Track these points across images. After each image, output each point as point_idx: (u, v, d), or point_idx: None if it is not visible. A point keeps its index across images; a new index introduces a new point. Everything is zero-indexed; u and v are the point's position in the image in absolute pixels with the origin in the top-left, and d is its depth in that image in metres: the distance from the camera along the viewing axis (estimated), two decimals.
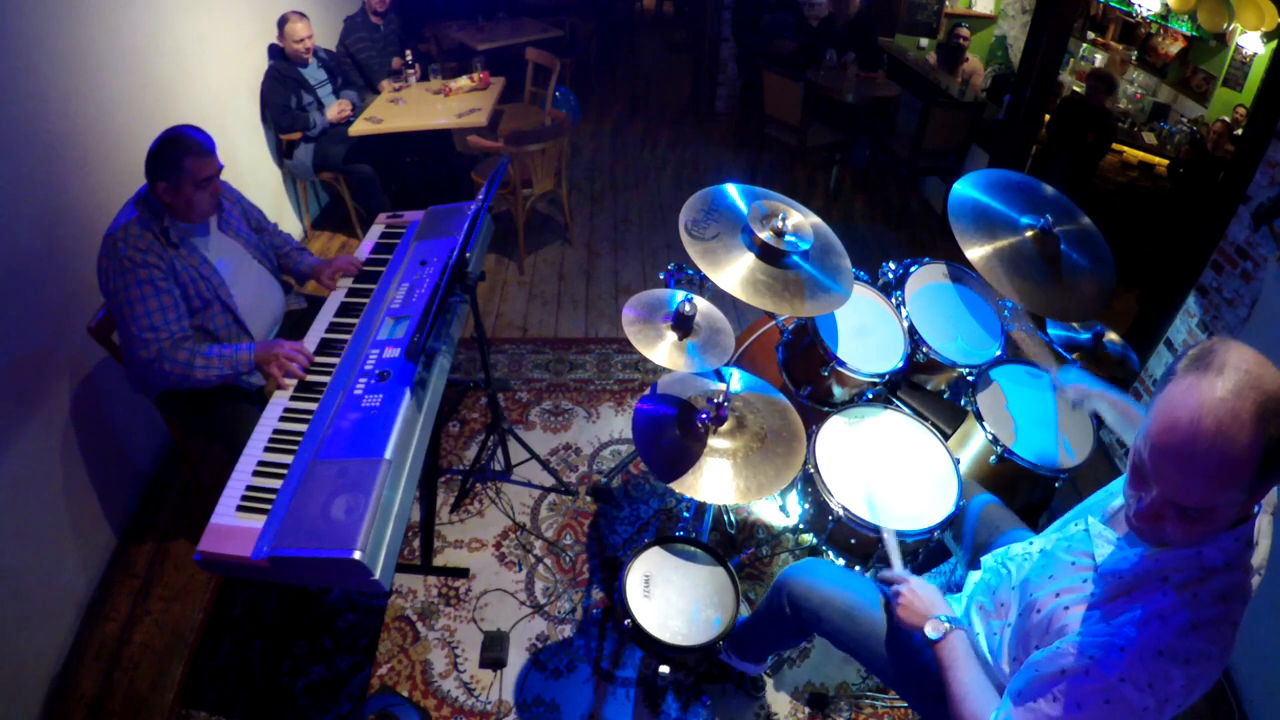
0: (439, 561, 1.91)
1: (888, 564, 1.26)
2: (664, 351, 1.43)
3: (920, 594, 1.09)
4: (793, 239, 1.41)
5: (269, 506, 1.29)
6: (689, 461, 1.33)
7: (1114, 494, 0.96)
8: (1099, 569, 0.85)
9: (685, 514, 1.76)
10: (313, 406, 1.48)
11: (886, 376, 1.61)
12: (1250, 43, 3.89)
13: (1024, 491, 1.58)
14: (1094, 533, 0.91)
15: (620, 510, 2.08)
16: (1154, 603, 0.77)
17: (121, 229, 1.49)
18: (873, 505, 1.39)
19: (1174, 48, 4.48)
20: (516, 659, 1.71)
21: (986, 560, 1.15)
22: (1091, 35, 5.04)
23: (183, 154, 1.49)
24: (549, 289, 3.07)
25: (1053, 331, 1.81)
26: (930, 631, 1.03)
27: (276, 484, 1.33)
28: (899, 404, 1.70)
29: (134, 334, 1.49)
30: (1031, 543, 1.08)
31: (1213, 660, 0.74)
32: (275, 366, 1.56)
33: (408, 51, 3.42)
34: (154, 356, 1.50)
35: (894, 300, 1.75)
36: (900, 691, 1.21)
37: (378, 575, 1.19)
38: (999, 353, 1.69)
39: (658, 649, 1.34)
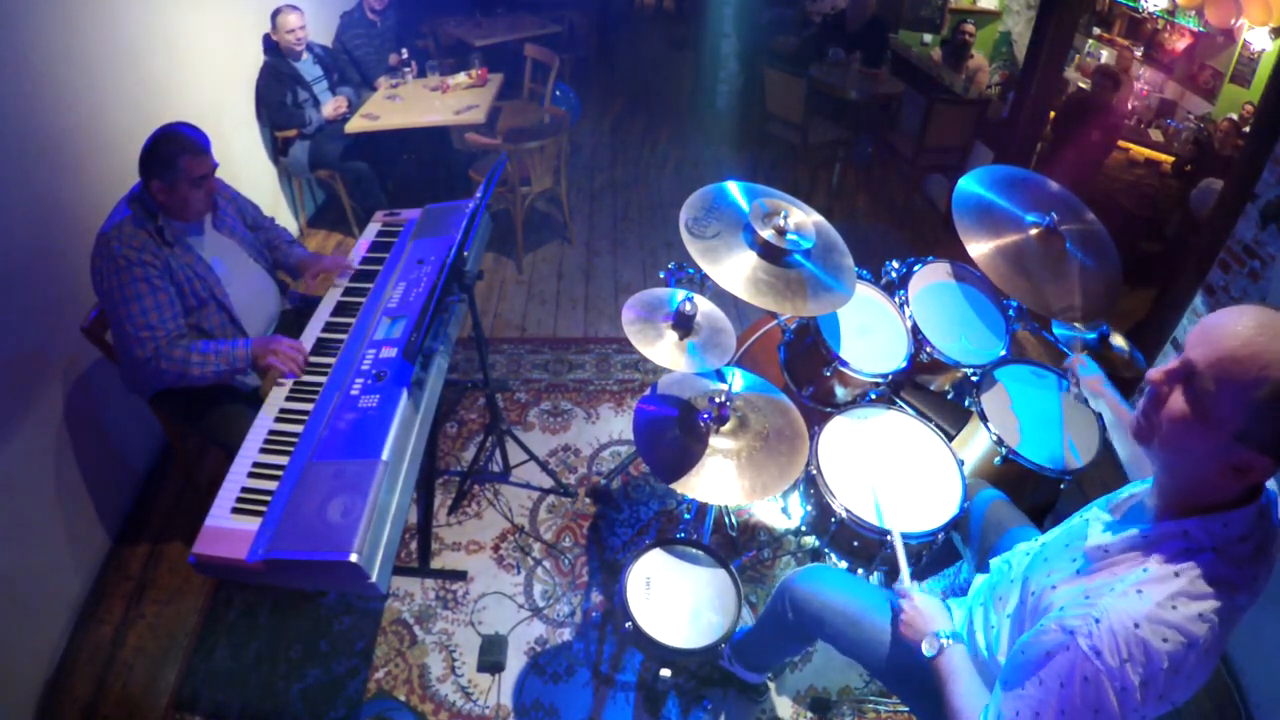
0: (436, 564, 1.90)
1: (893, 566, 1.24)
2: (664, 351, 1.41)
3: (922, 610, 1.08)
4: (795, 237, 1.39)
5: (265, 508, 1.28)
6: (690, 462, 1.31)
7: (1121, 490, 0.95)
8: (1086, 546, 0.85)
9: (686, 516, 1.75)
10: (309, 407, 1.47)
11: (890, 377, 1.60)
12: (1258, 39, 3.85)
13: (1029, 493, 1.56)
14: (1092, 518, 0.91)
15: (620, 512, 2.06)
16: (1134, 576, 0.76)
17: (115, 228, 1.48)
18: (876, 507, 1.37)
19: (1180, 44, 4.44)
20: (515, 663, 1.70)
21: (994, 562, 1.15)
22: (1097, 31, 5.00)
23: (177, 152, 1.47)
24: (548, 288, 3.05)
25: (1058, 331, 1.79)
26: (926, 648, 1.02)
27: (272, 485, 1.32)
28: (902, 404, 1.68)
29: (129, 332, 1.47)
30: (1037, 540, 1.08)
31: (1195, 650, 0.72)
32: (274, 358, 1.55)
33: (404, 49, 3.40)
34: (150, 355, 1.49)
35: (897, 299, 1.73)
36: (902, 696, 1.20)
37: (374, 578, 1.18)
38: (1003, 352, 1.67)
39: (658, 652, 1.32)
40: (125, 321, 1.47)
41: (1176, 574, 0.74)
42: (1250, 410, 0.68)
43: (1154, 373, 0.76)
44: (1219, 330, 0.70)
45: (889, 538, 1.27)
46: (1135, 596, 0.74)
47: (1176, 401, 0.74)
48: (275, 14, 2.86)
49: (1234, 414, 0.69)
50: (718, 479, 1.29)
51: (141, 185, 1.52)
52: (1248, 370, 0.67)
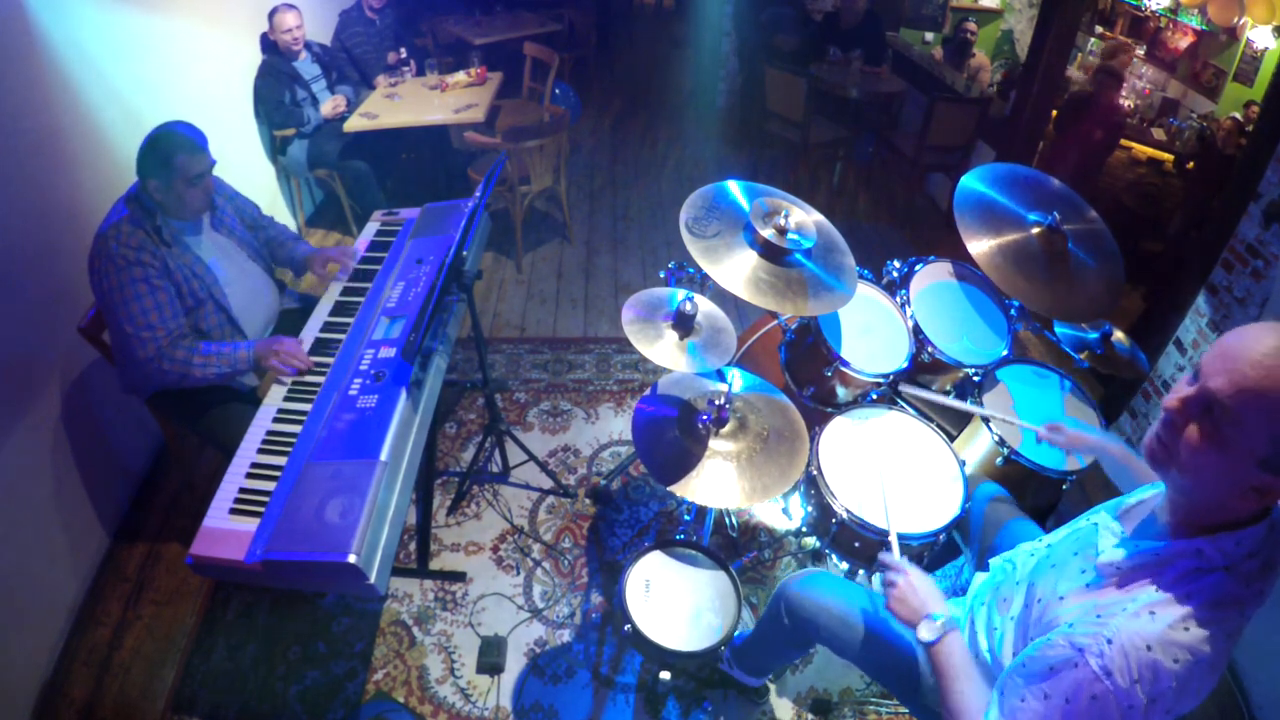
0: (435, 565, 1.89)
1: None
2: (664, 351, 1.40)
3: (917, 587, 1.01)
4: (795, 237, 1.38)
5: (262, 509, 1.27)
6: (690, 464, 1.30)
7: (1130, 495, 0.94)
8: (1098, 561, 0.84)
9: (686, 517, 1.74)
10: (307, 407, 1.46)
11: (891, 377, 1.59)
12: (1261, 37, 3.83)
13: (1031, 493, 1.55)
14: (1102, 525, 0.89)
15: (620, 513, 2.06)
16: (1146, 596, 0.76)
17: (113, 228, 1.47)
18: (878, 508, 1.36)
19: (1183, 42, 4.42)
20: (514, 664, 1.69)
21: (995, 561, 1.14)
22: (1100, 29, 4.98)
23: (174, 150, 1.46)
24: (547, 288, 3.04)
25: (1060, 330, 1.78)
26: (924, 633, 0.97)
27: (270, 486, 1.31)
28: (904, 405, 1.67)
29: (131, 333, 1.46)
30: (1041, 540, 1.06)
31: (1202, 667, 0.72)
32: (275, 360, 1.54)
33: (402, 48, 3.39)
34: (152, 355, 1.48)
35: (898, 299, 1.72)
36: (901, 698, 1.19)
37: (373, 579, 1.17)
38: (1005, 353, 1.66)
39: (658, 654, 1.31)
40: (126, 322, 1.46)
41: (1189, 595, 0.74)
42: (1274, 439, 0.67)
43: (1170, 400, 0.74)
44: (1238, 359, 0.68)
45: (880, 536, 1.26)
46: (1148, 618, 0.74)
47: (1194, 431, 0.72)
48: (272, 13, 2.85)
49: (1257, 443, 0.68)
50: (717, 481, 1.28)
51: (139, 184, 1.51)
52: (1271, 401, 0.66)
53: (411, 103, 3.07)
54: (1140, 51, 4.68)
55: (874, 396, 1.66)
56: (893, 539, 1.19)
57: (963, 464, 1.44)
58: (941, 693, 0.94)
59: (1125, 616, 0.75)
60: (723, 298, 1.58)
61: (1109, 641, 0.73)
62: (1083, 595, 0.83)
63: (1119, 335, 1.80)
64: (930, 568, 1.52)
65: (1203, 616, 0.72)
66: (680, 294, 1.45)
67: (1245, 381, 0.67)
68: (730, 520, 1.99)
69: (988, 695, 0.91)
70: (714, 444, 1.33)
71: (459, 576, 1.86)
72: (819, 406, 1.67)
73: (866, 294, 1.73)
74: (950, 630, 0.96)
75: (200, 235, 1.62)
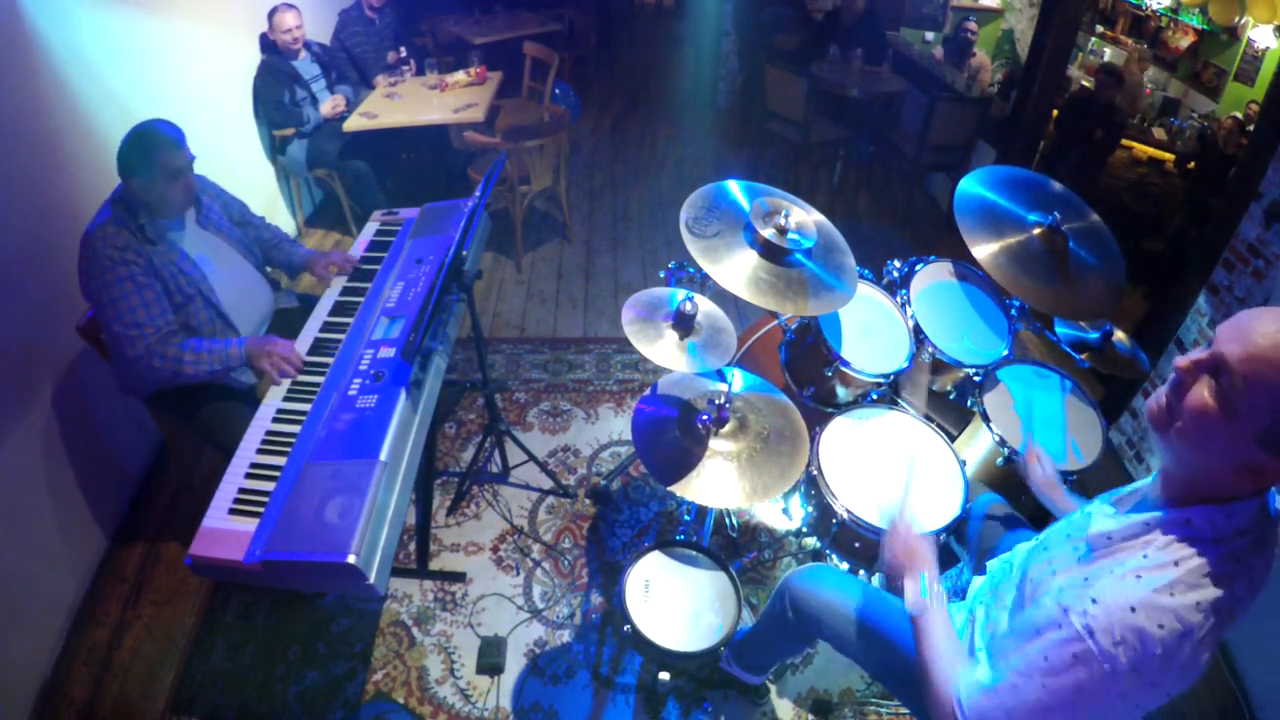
0: (435, 565, 1.89)
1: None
2: (664, 351, 1.40)
3: (913, 543, 1.03)
4: (796, 236, 1.37)
5: (262, 509, 1.27)
6: (690, 464, 1.30)
7: (1125, 487, 0.95)
8: (1089, 533, 0.85)
9: (686, 517, 1.74)
10: (306, 407, 1.46)
11: (891, 377, 1.58)
12: (1262, 37, 3.83)
13: (1031, 493, 1.55)
14: (1095, 511, 0.90)
15: (620, 513, 2.05)
16: (1134, 562, 0.77)
17: (98, 229, 1.47)
18: (877, 508, 1.36)
19: (1184, 41, 4.42)
20: (514, 665, 1.69)
21: (992, 563, 1.14)
22: (1100, 29, 4.98)
23: (153, 147, 1.46)
24: (547, 288, 3.04)
25: (1061, 330, 1.78)
26: (911, 597, 0.97)
27: (269, 486, 1.31)
28: (904, 405, 1.66)
29: (119, 332, 1.46)
30: (1037, 538, 1.06)
31: (1190, 641, 0.71)
32: (268, 362, 1.54)
33: (402, 47, 3.38)
34: (142, 353, 1.48)
35: (899, 299, 1.72)
36: (902, 698, 1.19)
37: (372, 579, 1.17)
38: (1006, 353, 1.66)
39: (658, 655, 1.31)
40: (115, 321, 1.46)
41: (1176, 563, 0.74)
42: (1275, 413, 0.68)
43: (1181, 361, 0.76)
44: (1253, 329, 0.70)
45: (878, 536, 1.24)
46: (1134, 581, 0.74)
47: (1200, 393, 0.73)
48: (272, 13, 2.85)
49: (1259, 416, 0.69)
50: (718, 481, 1.28)
51: (123, 185, 1.51)
52: (1278, 374, 0.67)
53: (411, 102, 3.07)
54: (1149, 53, 4.66)
55: (874, 396, 1.66)
56: (906, 494, 1.15)
57: (963, 464, 1.44)
58: (919, 655, 0.93)
59: (1111, 579, 0.75)
60: (723, 298, 1.57)
61: (1094, 601, 0.74)
62: (1074, 569, 0.84)
63: (1120, 335, 1.79)
64: None
65: (1189, 584, 0.73)
66: (680, 294, 1.45)
67: (1256, 350, 0.68)
68: (730, 521, 1.99)
69: (962, 653, 0.91)
70: (714, 444, 1.33)
71: (459, 577, 1.86)
72: (819, 406, 1.66)
73: (867, 294, 1.73)
74: (938, 605, 0.97)
75: (183, 231, 1.61)
